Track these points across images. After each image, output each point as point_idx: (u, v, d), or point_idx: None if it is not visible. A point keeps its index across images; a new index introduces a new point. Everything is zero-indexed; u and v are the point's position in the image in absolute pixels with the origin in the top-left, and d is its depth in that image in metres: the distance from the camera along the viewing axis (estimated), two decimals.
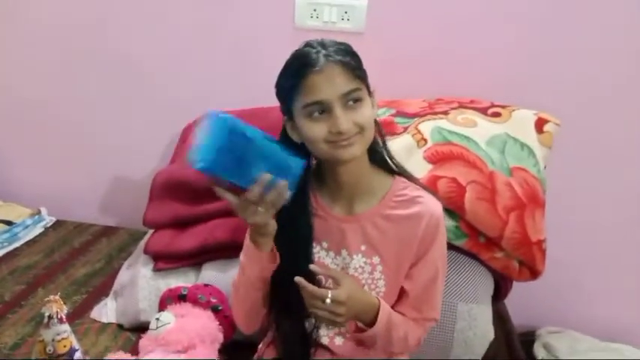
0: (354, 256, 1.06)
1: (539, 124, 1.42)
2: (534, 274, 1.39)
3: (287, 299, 1.02)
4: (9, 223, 1.96)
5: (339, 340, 1.09)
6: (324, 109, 0.93)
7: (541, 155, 1.38)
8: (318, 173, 1.07)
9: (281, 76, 0.98)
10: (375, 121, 1.00)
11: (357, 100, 0.94)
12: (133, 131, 2.02)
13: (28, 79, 2.05)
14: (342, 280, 0.97)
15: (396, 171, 1.09)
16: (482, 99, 1.54)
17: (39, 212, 2.07)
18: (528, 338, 1.77)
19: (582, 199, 1.74)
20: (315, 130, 0.94)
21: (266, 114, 1.70)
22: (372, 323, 1.01)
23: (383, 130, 1.08)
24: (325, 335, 1.09)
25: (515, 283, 1.48)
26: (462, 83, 1.64)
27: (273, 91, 1.94)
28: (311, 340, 1.08)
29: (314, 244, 1.06)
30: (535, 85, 1.65)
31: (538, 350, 1.72)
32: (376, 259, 1.06)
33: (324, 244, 1.07)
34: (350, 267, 1.06)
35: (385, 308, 1.03)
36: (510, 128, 1.41)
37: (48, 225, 2.04)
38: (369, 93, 0.99)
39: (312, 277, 0.97)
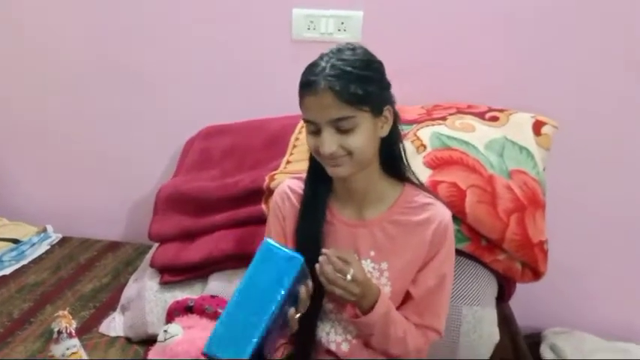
0: (363, 262, 1.07)
1: (537, 127, 1.44)
2: (537, 275, 1.40)
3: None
4: (16, 241, 1.98)
5: (345, 347, 1.10)
6: (316, 127, 0.95)
7: (540, 157, 1.40)
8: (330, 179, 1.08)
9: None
10: (397, 132, 1.03)
11: (348, 127, 0.93)
12: (136, 146, 2.04)
13: (30, 95, 2.07)
14: (353, 262, 0.97)
15: (406, 178, 1.10)
16: (480, 104, 1.56)
17: (45, 230, 2.09)
18: (534, 340, 1.78)
19: (583, 200, 1.76)
20: (310, 144, 0.99)
21: (266, 125, 1.72)
22: (369, 311, 1.01)
23: (402, 139, 1.07)
24: (333, 341, 1.10)
25: (519, 285, 1.49)
26: (458, 90, 1.66)
27: (273, 102, 1.95)
28: (320, 345, 1.10)
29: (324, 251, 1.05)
30: (531, 90, 1.67)
31: (545, 351, 1.72)
32: (384, 265, 1.07)
33: None
34: None
35: (385, 300, 1.02)
36: (508, 131, 1.42)
37: (54, 242, 2.06)
38: (379, 112, 0.97)
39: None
